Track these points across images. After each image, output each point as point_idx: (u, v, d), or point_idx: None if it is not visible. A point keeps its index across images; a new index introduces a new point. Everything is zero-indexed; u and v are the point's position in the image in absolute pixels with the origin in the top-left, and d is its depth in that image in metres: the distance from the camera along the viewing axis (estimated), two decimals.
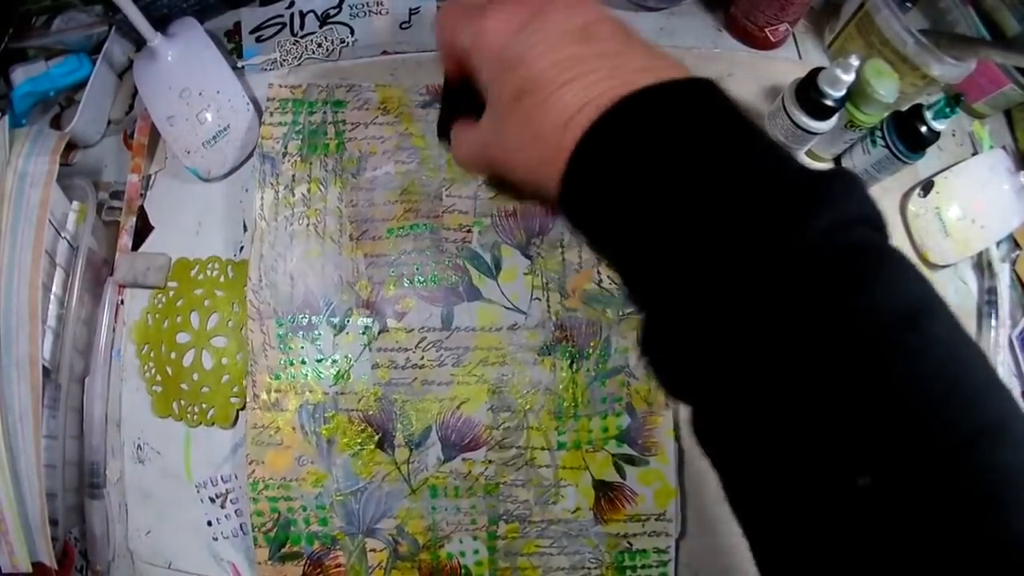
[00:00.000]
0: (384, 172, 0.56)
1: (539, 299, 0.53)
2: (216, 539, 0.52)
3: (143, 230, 0.57)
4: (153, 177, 0.59)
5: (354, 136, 0.57)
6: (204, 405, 0.53)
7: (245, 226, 0.57)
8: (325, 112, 0.58)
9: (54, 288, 0.52)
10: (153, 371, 0.54)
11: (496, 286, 0.54)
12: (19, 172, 0.51)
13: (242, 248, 0.57)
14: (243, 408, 0.53)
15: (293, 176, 0.56)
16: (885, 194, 0.59)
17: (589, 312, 0.53)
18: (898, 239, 0.58)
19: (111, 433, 0.54)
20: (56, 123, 0.61)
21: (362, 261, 0.54)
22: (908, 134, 0.52)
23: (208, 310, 0.55)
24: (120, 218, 0.57)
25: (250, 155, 0.59)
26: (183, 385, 0.54)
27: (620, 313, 0.53)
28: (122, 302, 0.56)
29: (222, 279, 0.56)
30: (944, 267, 0.58)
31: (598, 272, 0.54)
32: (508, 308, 0.53)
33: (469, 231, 0.55)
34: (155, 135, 0.59)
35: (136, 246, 0.57)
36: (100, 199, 0.58)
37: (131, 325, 0.55)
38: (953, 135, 0.63)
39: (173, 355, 0.54)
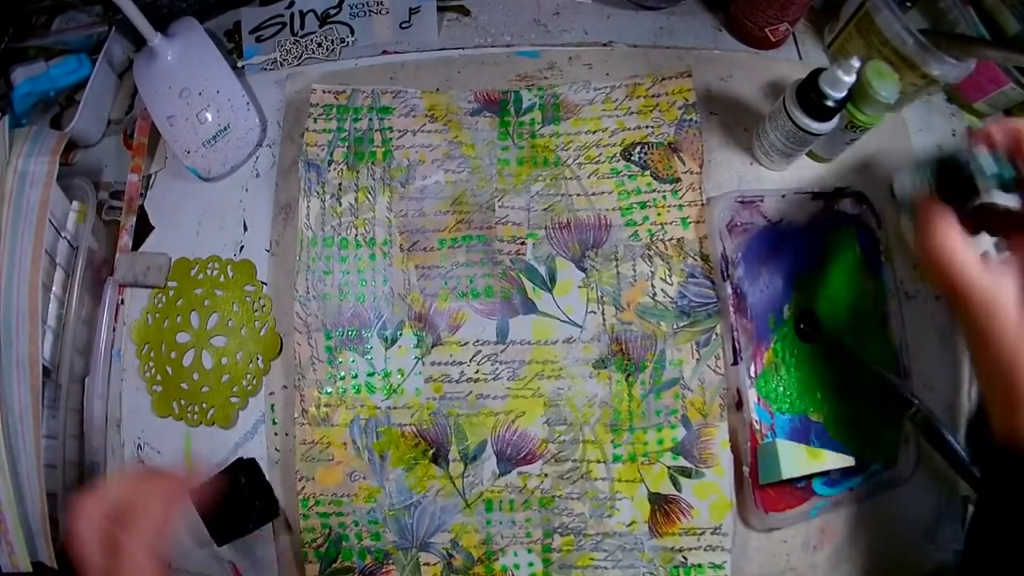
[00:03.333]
0: (434, 181, 0.56)
1: (594, 312, 0.53)
2: None
3: (143, 230, 0.57)
4: (153, 177, 0.59)
5: (401, 144, 0.57)
6: (204, 405, 0.53)
7: (245, 226, 0.57)
8: (371, 119, 0.57)
9: (54, 288, 0.52)
10: (153, 371, 0.54)
11: (551, 299, 0.54)
12: (19, 172, 0.51)
13: (242, 248, 0.57)
14: (244, 408, 0.53)
15: (340, 185, 0.56)
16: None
17: (644, 325, 0.53)
18: (896, 253, 0.58)
19: (111, 433, 0.54)
20: (56, 123, 0.61)
21: (413, 272, 0.54)
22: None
23: (208, 310, 0.55)
24: (120, 218, 0.57)
25: (250, 155, 0.59)
26: (183, 385, 0.54)
27: (674, 326, 0.53)
28: (122, 302, 0.56)
29: (222, 279, 0.56)
30: None
31: (652, 285, 0.54)
32: (563, 321, 0.53)
33: (523, 243, 0.55)
34: (155, 135, 0.59)
35: (136, 246, 0.57)
36: (100, 199, 0.58)
37: (131, 325, 0.55)
38: (953, 135, 0.63)
39: (173, 355, 0.54)
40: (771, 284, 0.53)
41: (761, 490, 0.50)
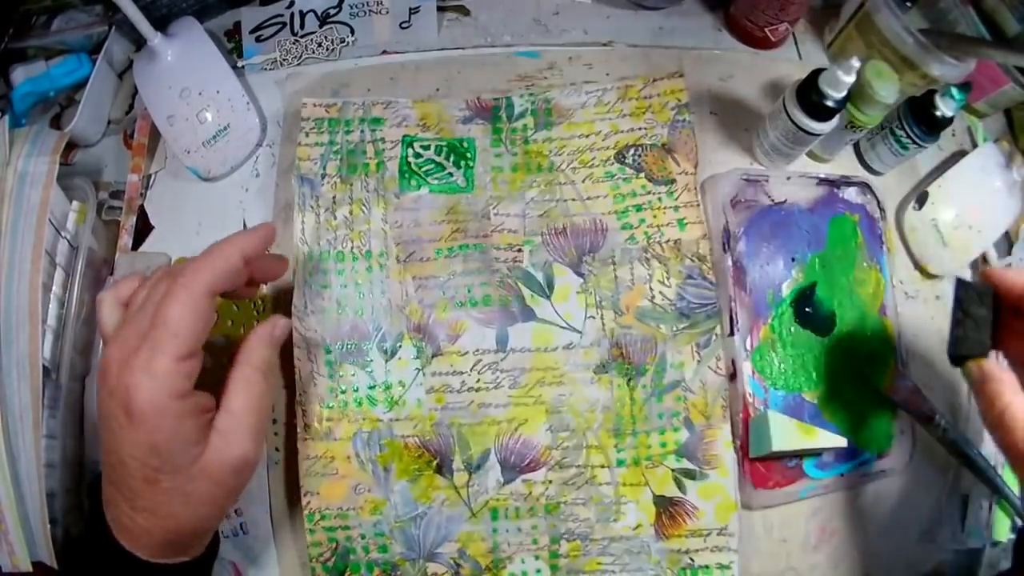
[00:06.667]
0: (428, 191, 0.56)
1: (593, 317, 0.53)
2: None
3: (143, 230, 0.57)
4: (153, 177, 0.59)
5: (394, 155, 0.57)
6: None
7: (245, 226, 0.57)
8: (363, 131, 0.57)
9: (54, 288, 0.52)
10: None
11: (550, 305, 0.53)
12: (19, 172, 0.51)
13: None
14: None
15: (334, 198, 0.56)
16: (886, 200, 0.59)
17: (643, 328, 0.53)
18: (897, 253, 0.58)
19: None
20: (56, 123, 0.61)
21: (411, 284, 0.54)
22: (923, 119, 0.53)
23: None
24: (120, 218, 0.57)
25: (250, 155, 0.59)
26: None
27: (674, 328, 0.53)
28: None
29: None
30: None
31: (650, 288, 0.54)
32: (563, 327, 0.53)
33: (520, 250, 0.55)
34: (155, 135, 0.59)
35: (136, 246, 0.57)
36: (100, 199, 0.58)
37: None
38: (953, 135, 0.63)
39: None
40: (771, 262, 0.54)
41: (751, 464, 0.50)
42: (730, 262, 0.53)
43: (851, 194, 0.56)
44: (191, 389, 0.35)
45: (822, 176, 0.56)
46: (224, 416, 0.38)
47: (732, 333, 0.52)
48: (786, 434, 0.48)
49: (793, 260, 0.54)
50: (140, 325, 0.35)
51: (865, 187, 0.56)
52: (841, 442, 0.49)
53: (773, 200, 0.55)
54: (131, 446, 0.34)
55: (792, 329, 0.53)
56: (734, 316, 0.52)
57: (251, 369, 0.39)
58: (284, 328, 0.42)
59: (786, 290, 0.54)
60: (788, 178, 0.56)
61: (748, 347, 0.52)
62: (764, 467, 0.50)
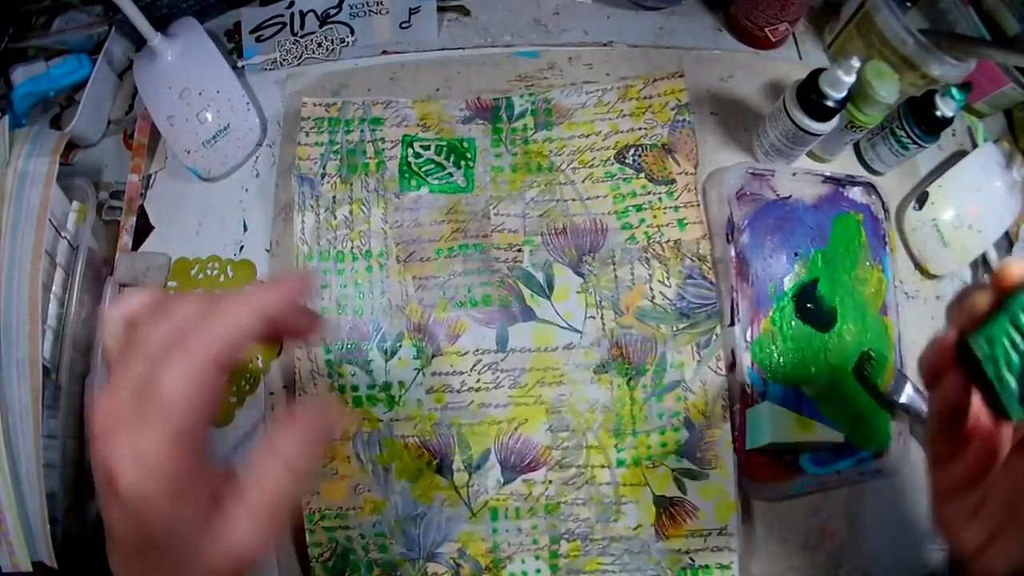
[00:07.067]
0: (428, 191, 0.56)
1: (593, 317, 0.53)
2: None
3: (143, 230, 0.57)
4: (153, 177, 0.59)
5: (394, 154, 0.57)
6: None
7: (245, 226, 0.57)
8: (363, 130, 0.57)
9: (54, 288, 0.52)
10: None
11: (550, 305, 0.54)
12: (19, 172, 0.51)
13: (242, 248, 0.57)
14: (242, 408, 0.53)
15: (334, 198, 0.56)
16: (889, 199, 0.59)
17: (643, 328, 0.53)
18: (897, 253, 0.58)
19: None
20: (56, 123, 0.61)
21: (411, 284, 0.54)
22: (924, 119, 0.53)
23: None
24: (120, 218, 0.57)
25: (250, 155, 0.59)
26: None
27: (674, 328, 0.53)
28: None
29: (222, 279, 0.56)
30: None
31: (651, 288, 0.54)
32: (563, 327, 0.53)
33: (520, 250, 0.55)
34: (155, 135, 0.59)
35: (136, 246, 0.57)
36: (100, 199, 0.58)
37: None
38: (953, 135, 0.63)
39: None
40: (774, 255, 0.54)
41: (747, 456, 0.50)
42: (733, 253, 0.53)
43: (856, 193, 0.56)
44: (191, 467, 0.27)
45: (828, 174, 0.56)
46: (235, 505, 0.29)
47: (733, 323, 0.52)
48: (783, 426, 0.48)
49: (796, 255, 0.54)
50: (135, 371, 0.27)
51: (870, 187, 0.56)
52: (838, 437, 0.49)
53: (778, 195, 0.55)
54: (120, 526, 0.27)
55: (793, 323, 0.53)
56: (735, 306, 0.52)
57: (282, 465, 0.30)
58: (340, 426, 0.31)
59: (788, 284, 0.54)
60: (794, 174, 0.56)
61: (748, 338, 0.52)
62: (760, 460, 0.50)
